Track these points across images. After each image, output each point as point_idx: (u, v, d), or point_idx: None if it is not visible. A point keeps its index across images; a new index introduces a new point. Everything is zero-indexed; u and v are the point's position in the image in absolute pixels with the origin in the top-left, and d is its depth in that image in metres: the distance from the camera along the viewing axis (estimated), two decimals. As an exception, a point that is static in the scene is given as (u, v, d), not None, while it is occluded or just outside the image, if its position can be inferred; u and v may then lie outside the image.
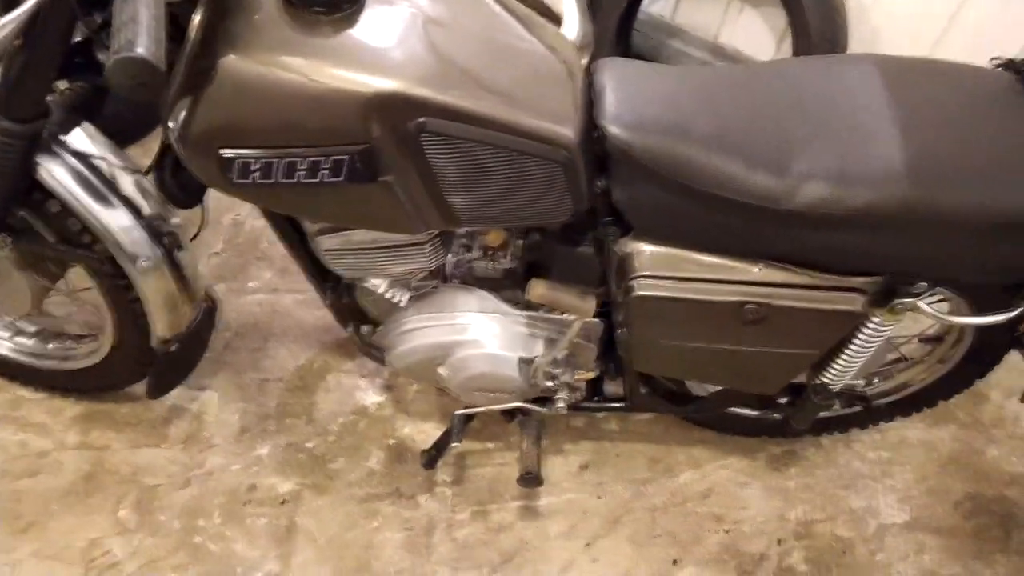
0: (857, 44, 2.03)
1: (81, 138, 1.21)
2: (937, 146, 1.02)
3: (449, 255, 1.31)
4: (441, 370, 1.38)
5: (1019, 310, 1.13)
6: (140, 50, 0.69)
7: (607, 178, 1.09)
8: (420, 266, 1.25)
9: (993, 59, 1.17)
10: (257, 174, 0.97)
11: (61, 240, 1.25)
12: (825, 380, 1.35)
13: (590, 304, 1.22)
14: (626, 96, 1.06)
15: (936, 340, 1.53)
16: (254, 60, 0.90)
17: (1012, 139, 1.02)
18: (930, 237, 1.03)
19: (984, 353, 1.44)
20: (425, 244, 1.20)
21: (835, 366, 1.32)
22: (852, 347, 1.27)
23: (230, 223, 2.00)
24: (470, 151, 0.98)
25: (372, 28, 0.93)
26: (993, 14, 1.83)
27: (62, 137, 1.18)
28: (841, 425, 1.70)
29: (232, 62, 0.90)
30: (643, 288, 1.15)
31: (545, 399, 1.45)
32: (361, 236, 1.18)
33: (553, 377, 1.38)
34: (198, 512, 1.53)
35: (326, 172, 0.96)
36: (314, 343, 1.81)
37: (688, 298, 1.15)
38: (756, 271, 1.14)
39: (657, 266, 1.15)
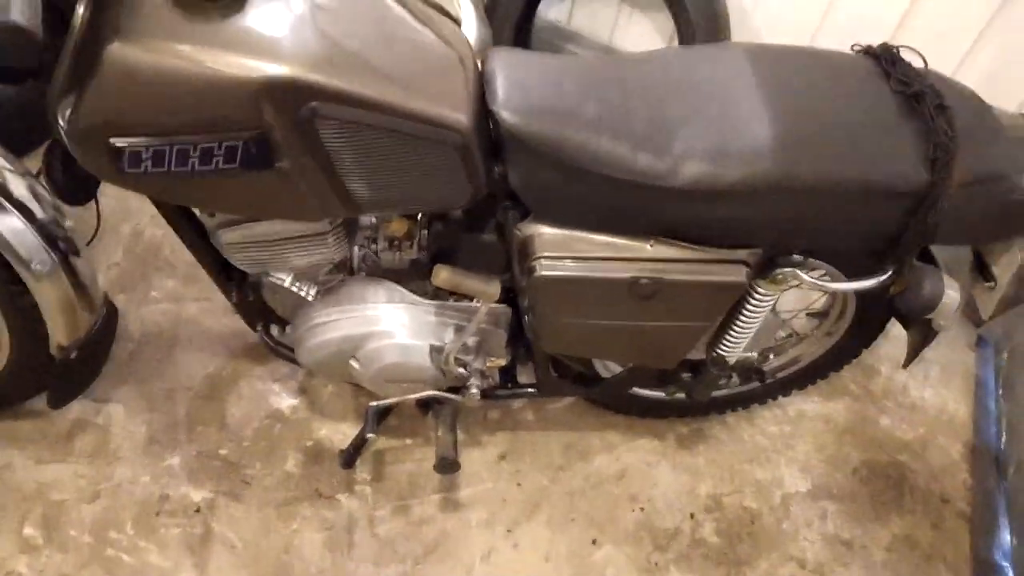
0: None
1: (-35, 140, 1.18)
2: (801, 123, 1.10)
3: (356, 247, 1.33)
4: (353, 363, 1.39)
5: (887, 274, 1.22)
6: (15, 15, 0.69)
7: (503, 163, 1.13)
8: (324, 258, 1.26)
9: (854, 46, 1.27)
10: (149, 163, 0.97)
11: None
12: (721, 352, 1.42)
13: (494, 288, 1.26)
14: (516, 83, 1.11)
15: (822, 315, 1.62)
16: (141, 47, 0.91)
17: (868, 116, 1.11)
18: (797, 207, 1.11)
19: (866, 323, 1.54)
20: (328, 235, 1.21)
21: (728, 338, 1.40)
22: (741, 318, 1.34)
23: (129, 232, 1.96)
24: (365, 136, 1.00)
25: (261, 15, 0.95)
26: (861, 11, 1.98)
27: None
28: (743, 402, 1.79)
29: (117, 49, 0.90)
30: (543, 269, 1.20)
31: (458, 388, 1.47)
32: (263, 228, 1.18)
33: (464, 364, 1.41)
34: (109, 525, 1.49)
35: (220, 159, 0.97)
36: (223, 350, 1.79)
37: (585, 276, 1.20)
38: (648, 248, 1.20)
39: (555, 247, 1.20)
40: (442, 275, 1.23)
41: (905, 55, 1.19)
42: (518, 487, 1.67)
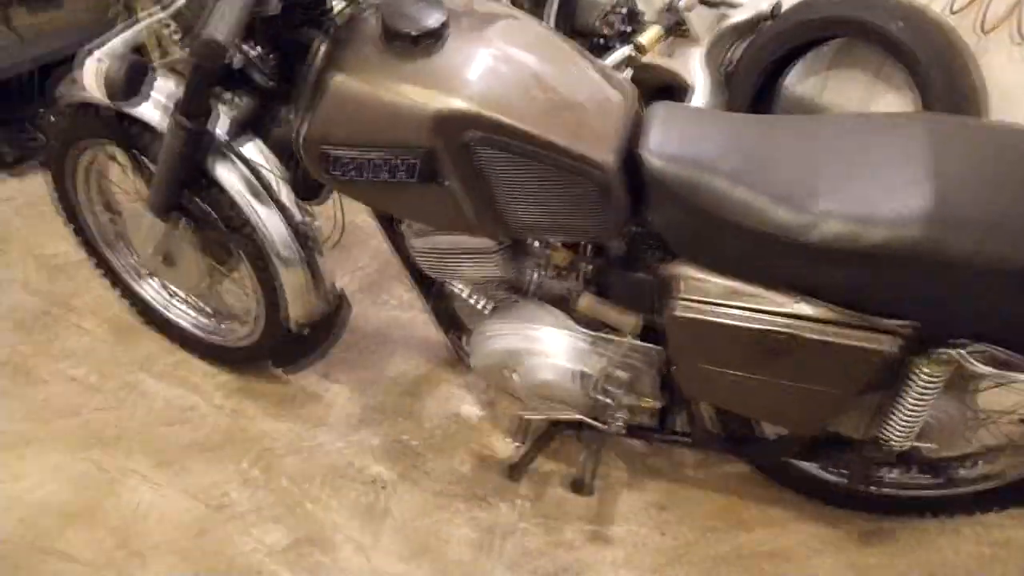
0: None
1: (252, 150, 1.54)
2: (963, 196, 1.05)
3: (531, 272, 1.48)
4: (513, 375, 1.53)
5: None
6: (213, 32, 0.98)
7: (648, 204, 1.22)
8: (492, 273, 1.43)
9: (1069, 122, 1.17)
10: (352, 171, 1.22)
11: (228, 228, 1.58)
12: (882, 436, 1.34)
13: (631, 320, 1.33)
14: (668, 132, 1.20)
15: (1033, 422, 1.44)
16: (356, 79, 1.17)
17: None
18: (951, 283, 1.04)
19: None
20: (495, 253, 1.38)
21: (891, 420, 1.31)
22: (902, 400, 1.26)
23: (377, 245, 2.30)
24: (515, 164, 1.17)
25: (448, 58, 1.17)
26: None
27: (238, 148, 1.51)
28: (932, 508, 1.61)
29: (341, 80, 1.17)
30: (680, 309, 1.25)
31: (607, 419, 1.54)
32: (441, 239, 1.39)
33: (611, 396, 1.48)
34: (305, 477, 1.77)
35: (402, 172, 1.19)
36: (431, 355, 2.03)
37: (720, 323, 1.23)
38: (791, 304, 1.20)
39: (696, 290, 1.25)
40: (583, 302, 1.34)
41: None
42: (662, 536, 1.67)
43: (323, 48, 1.21)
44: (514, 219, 1.24)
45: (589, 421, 1.55)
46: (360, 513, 1.71)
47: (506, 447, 1.83)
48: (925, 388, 1.23)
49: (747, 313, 1.21)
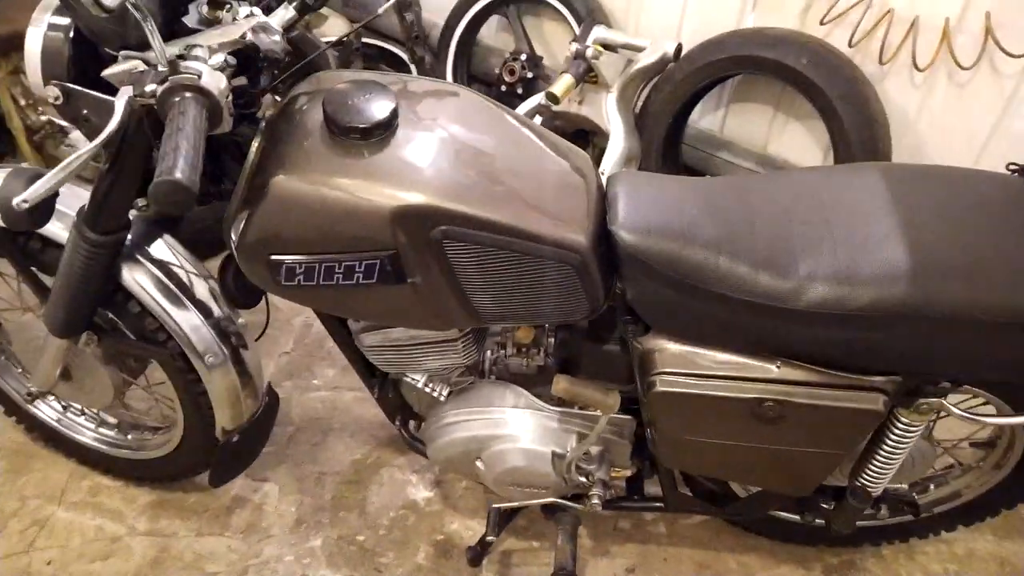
0: (901, 154, 2.07)
1: (162, 248, 1.38)
2: (940, 246, 1.05)
3: (488, 352, 1.39)
4: (478, 463, 1.43)
5: (1051, 410, 1.11)
6: (178, 174, 0.83)
7: (622, 279, 1.16)
8: (454, 362, 1.33)
9: (1009, 165, 1.20)
10: (301, 277, 1.09)
11: (140, 338, 1.41)
12: (863, 482, 1.33)
13: (613, 400, 1.27)
14: (636, 204, 1.14)
15: (988, 445, 1.48)
16: (299, 179, 1.04)
17: (1014, 239, 1.04)
18: (934, 335, 1.04)
19: (1042, 457, 1.39)
20: (457, 341, 1.29)
21: (871, 468, 1.31)
22: (884, 448, 1.26)
23: (300, 324, 2.15)
24: (489, 255, 1.08)
25: (402, 150, 1.06)
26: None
27: (145, 247, 1.34)
28: (899, 534, 1.64)
29: (281, 180, 1.04)
30: (664, 384, 1.20)
31: (581, 496, 1.47)
32: (398, 333, 1.28)
33: (587, 473, 1.41)
34: (253, 600, 1.60)
35: (360, 275, 1.08)
36: (370, 439, 1.90)
37: (707, 394, 1.18)
38: (774, 369, 1.17)
39: (677, 363, 1.20)
40: (561, 385, 1.26)
41: (1065, 175, 1.12)
42: (644, 604, 1.62)
43: (256, 145, 1.08)
44: (486, 310, 1.15)
45: (564, 503, 1.48)
46: (322, 632, 1.55)
47: (465, 529, 1.73)
48: (906, 435, 1.24)
49: (732, 383, 1.18)
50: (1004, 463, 1.45)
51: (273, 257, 1.08)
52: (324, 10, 2.52)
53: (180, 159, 0.83)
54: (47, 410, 1.74)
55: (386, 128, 1.05)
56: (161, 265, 1.36)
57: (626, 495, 1.55)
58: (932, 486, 1.57)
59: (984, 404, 1.29)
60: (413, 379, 1.39)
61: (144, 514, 1.72)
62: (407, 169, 1.05)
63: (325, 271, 1.08)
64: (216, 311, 1.43)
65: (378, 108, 1.04)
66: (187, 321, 1.39)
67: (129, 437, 1.73)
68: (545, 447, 1.38)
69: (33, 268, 1.37)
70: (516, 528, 1.71)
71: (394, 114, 1.05)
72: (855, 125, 1.92)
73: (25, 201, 0.90)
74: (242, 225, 1.09)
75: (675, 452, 1.31)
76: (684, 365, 1.20)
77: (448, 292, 1.11)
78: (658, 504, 1.54)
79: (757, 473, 1.30)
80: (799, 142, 2.29)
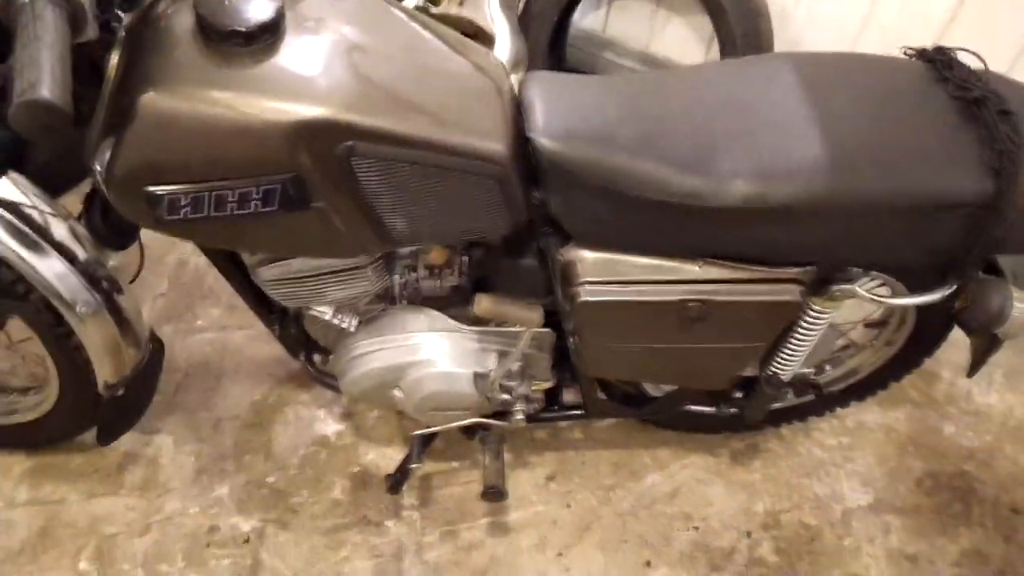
0: (782, 46, 2.09)
1: (8, 188, 1.18)
2: (853, 136, 1.05)
3: (396, 276, 1.31)
4: (396, 392, 1.37)
5: (951, 288, 1.16)
6: (44, 92, 0.68)
7: (542, 189, 1.10)
8: (364, 290, 1.24)
9: (904, 48, 1.21)
10: (187, 209, 0.96)
11: (-5, 292, 1.23)
12: (775, 370, 1.37)
13: (537, 314, 1.23)
14: (553, 108, 1.07)
15: (881, 324, 1.56)
16: (173, 95, 0.90)
17: (926, 125, 1.06)
18: (854, 225, 1.06)
19: (927, 333, 1.48)
20: (367, 268, 1.20)
21: (783, 356, 1.35)
22: (796, 336, 1.29)
23: (174, 262, 1.97)
24: (402, 172, 0.98)
25: (293, 57, 0.93)
26: (908, 8, 1.90)
27: (-13, 188, 1.15)
28: (799, 414, 1.73)
29: (151, 99, 0.89)
30: (587, 294, 1.16)
31: (504, 413, 1.45)
32: (300, 264, 1.17)
33: (509, 390, 1.38)
34: (160, 558, 1.49)
35: (258, 202, 0.96)
36: (268, 378, 1.79)
37: (632, 300, 1.16)
38: (696, 269, 1.16)
39: (599, 272, 1.17)
40: (483, 304, 1.21)
41: (961, 57, 1.13)
42: (568, 509, 1.64)
43: (115, 58, 0.92)
44: (400, 232, 1.06)
45: (488, 421, 1.45)
46: (242, 581, 1.48)
47: (381, 458, 1.68)
48: (817, 322, 1.27)
49: (656, 287, 1.16)
50: (895, 340, 1.53)
51: (150, 189, 0.94)
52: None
53: (44, 73, 0.68)
54: None
55: (272, 32, 0.92)
56: (10, 207, 1.17)
57: (546, 407, 1.54)
58: (828, 367, 1.65)
59: (881, 286, 1.35)
60: (319, 312, 1.29)
61: (23, 483, 1.56)
62: (301, 79, 0.92)
63: (215, 201, 0.95)
64: (81, 254, 1.26)
65: (259, 8, 0.90)
66: (49, 268, 1.22)
67: (-8, 403, 1.55)
68: (466, 368, 1.34)
69: None
70: (434, 451, 1.68)
71: (280, 14, 0.92)
72: (738, 18, 1.90)
73: None
74: (108, 154, 0.93)
75: (599, 361, 1.29)
76: (607, 273, 1.17)
77: (358, 215, 1.01)
78: (579, 412, 1.54)
79: (680, 373, 1.31)
80: (681, 39, 2.27)
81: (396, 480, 1.56)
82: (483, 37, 2.18)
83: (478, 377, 1.35)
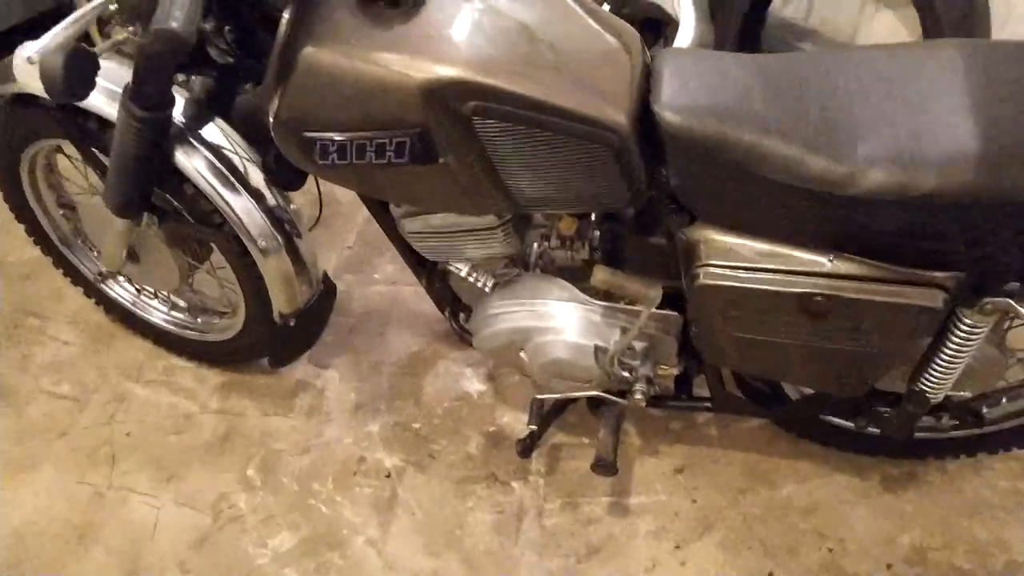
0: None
1: (214, 132, 1.39)
2: (1012, 129, 0.94)
3: (533, 244, 1.37)
4: (522, 355, 1.43)
5: None
6: (174, 24, 0.82)
7: (666, 165, 1.10)
8: (496, 251, 1.32)
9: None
10: (335, 155, 1.08)
11: (197, 220, 1.45)
12: (921, 387, 1.26)
13: (654, 292, 1.23)
14: (682, 81, 1.07)
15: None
16: (328, 51, 1.02)
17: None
18: (1004, 226, 0.95)
19: None
20: (497, 229, 1.27)
21: (930, 372, 1.23)
22: (945, 351, 1.18)
23: (364, 220, 2.18)
24: (521, 134, 1.04)
25: (432, 19, 1.02)
26: None
27: (197, 130, 1.37)
28: (966, 448, 1.56)
29: (310, 53, 1.03)
30: (707, 277, 1.15)
31: (625, 392, 1.46)
32: (438, 220, 1.27)
33: (630, 368, 1.39)
34: (314, 477, 1.67)
35: (392, 153, 1.06)
36: (427, 332, 1.93)
37: (753, 288, 1.13)
38: (826, 262, 1.10)
39: (722, 255, 1.15)
40: (600, 275, 1.23)
41: None
42: (693, 503, 1.61)
43: (287, 16, 1.06)
44: (521, 194, 1.12)
45: (607, 396, 1.47)
46: (374, 510, 1.62)
47: (516, 422, 1.75)
48: (969, 338, 1.15)
49: (781, 276, 1.12)
50: (1088, 377, 1.34)
51: (306, 134, 1.08)
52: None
53: (176, 8, 0.82)
54: (122, 292, 1.84)
55: (416, -4, 1.01)
56: (213, 148, 1.38)
57: (673, 394, 1.53)
58: (1004, 399, 1.47)
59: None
60: (456, 268, 1.39)
61: (215, 393, 1.82)
62: (436, 40, 1.01)
63: (357, 149, 1.07)
64: (269, 198, 1.46)
65: (406, -27, 1.00)
66: (240, 205, 1.42)
67: (199, 320, 1.82)
68: (588, 340, 1.37)
69: (94, 149, 1.42)
70: (566, 423, 1.72)
71: (422, -21, 1.01)
72: (949, 8, 1.73)
73: (32, 58, 0.92)
74: (276, 101, 1.08)
75: (719, 348, 1.27)
76: (730, 257, 1.14)
77: (481, 174, 1.08)
78: (706, 404, 1.51)
79: (805, 372, 1.24)
80: (890, 31, 2.10)
81: (527, 445, 1.62)
82: (672, 25, 2.18)
83: (599, 351, 1.37)
